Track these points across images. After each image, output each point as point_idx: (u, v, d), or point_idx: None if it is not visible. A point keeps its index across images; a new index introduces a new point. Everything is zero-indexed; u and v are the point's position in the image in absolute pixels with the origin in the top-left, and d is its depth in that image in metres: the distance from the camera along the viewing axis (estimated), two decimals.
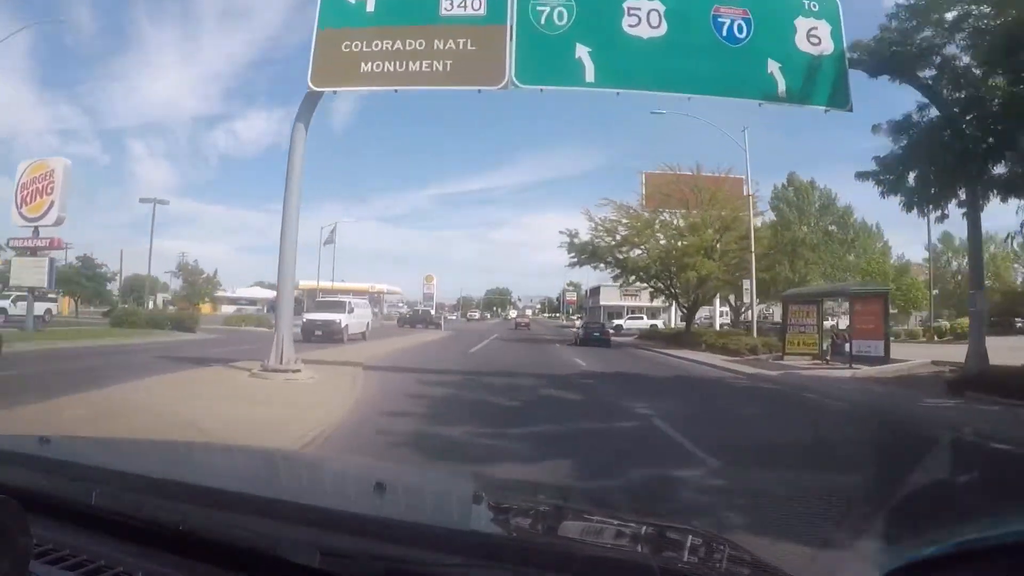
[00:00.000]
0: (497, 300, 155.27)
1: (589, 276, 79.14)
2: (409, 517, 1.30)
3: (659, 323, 55.39)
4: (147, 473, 1.50)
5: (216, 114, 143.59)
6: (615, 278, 32.03)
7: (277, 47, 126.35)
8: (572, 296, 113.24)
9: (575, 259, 31.10)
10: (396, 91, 11.28)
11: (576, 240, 30.65)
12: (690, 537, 1.32)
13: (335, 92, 11.66)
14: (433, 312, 70.57)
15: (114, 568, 1.11)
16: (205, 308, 74.73)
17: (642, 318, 56.57)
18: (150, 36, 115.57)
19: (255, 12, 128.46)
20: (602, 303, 72.51)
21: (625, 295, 73.19)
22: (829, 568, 1.35)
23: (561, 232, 30.91)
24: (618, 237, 29.46)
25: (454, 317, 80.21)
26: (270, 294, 76.15)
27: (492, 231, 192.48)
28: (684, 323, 31.52)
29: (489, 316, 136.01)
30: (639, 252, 29.64)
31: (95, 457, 1.77)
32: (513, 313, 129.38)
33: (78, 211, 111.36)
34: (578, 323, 44.24)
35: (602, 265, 31.05)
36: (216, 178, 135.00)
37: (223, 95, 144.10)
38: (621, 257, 30.08)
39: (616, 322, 54.78)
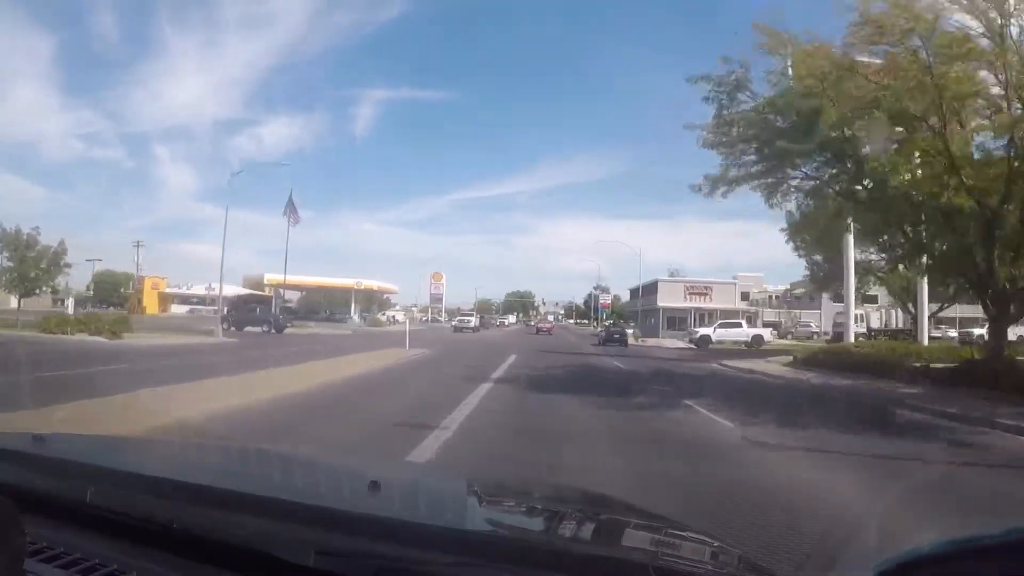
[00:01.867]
0: (518, 303, 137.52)
1: (630, 275, 60.37)
2: (404, 516, 1.28)
3: (764, 333, 36.21)
4: (141, 471, 1.49)
5: (238, 119, 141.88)
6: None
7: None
8: (607, 299, 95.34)
9: (728, 161, 11.35)
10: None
11: (741, 101, 10.80)
12: (686, 538, 1.31)
13: None
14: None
15: (108, 566, 1.09)
16: (150, 307, 59.22)
17: (740, 324, 37.35)
18: (172, 42, 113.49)
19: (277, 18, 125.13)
20: (660, 304, 53.35)
21: (691, 293, 53.93)
22: (821, 568, 1.37)
23: (692, 80, 11.44)
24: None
25: (457, 322, 60.83)
26: (233, 291, 59.75)
27: (513, 236, 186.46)
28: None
29: (509, 322, 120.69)
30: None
31: (89, 455, 1.72)
32: (511, 319, 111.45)
33: (102, 214, 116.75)
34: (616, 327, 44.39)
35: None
36: (238, 182, 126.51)
37: (245, 100, 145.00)
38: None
39: (700, 331, 36.01)
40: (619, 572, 1.04)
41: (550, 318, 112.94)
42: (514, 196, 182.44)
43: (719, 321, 38.64)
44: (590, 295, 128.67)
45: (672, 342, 40.85)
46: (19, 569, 0.91)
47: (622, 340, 36.06)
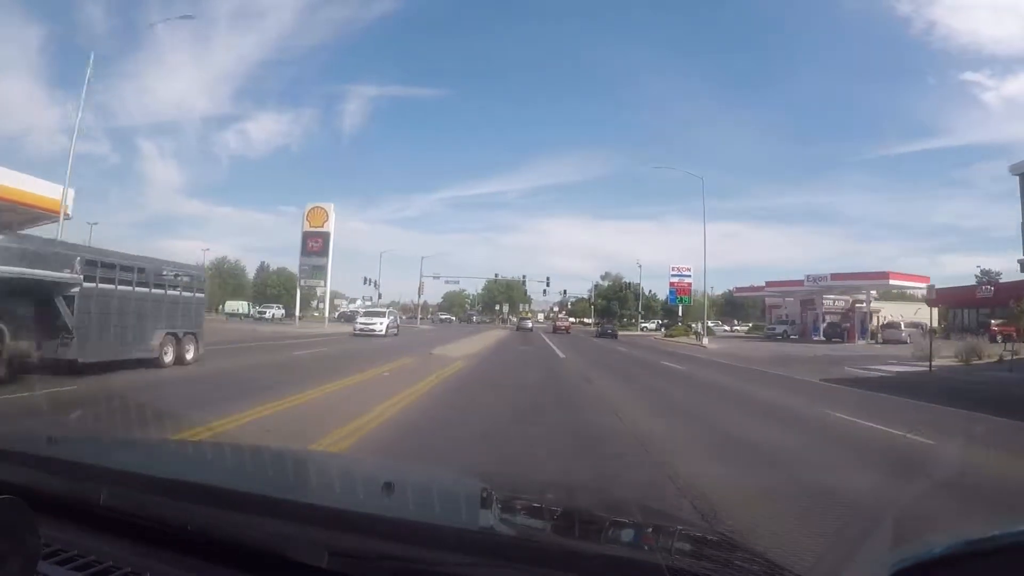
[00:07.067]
0: (503, 295, 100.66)
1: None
2: (417, 516, 1.25)
3: None
4: (155, 473, 1.45)
5: (226, 115, 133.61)
6: None
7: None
8: (685, 277, 63.53)
9: None
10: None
11: None
12: (699, 537, 1.31)
13: None
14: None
15: (122, 568, 1.07)
16: None
17: None
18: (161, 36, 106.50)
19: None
20: None
21: None
22: (836, 566, 1.28)
23: None
24: None
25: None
26: None
27: (503, 235, 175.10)
28: None
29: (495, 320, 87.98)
30: None
31: (103, 457, 1.70)
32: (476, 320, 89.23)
33: (88, 210, 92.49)
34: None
35: None
36: (225, 179, 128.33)
37: (233, 96, 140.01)
38: None
39: None
40: (634, 572, 1.02)
41: (541, 317, 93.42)
42: (503, 195, 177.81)
43: None
44: (595, 286, 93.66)
45: None
46: (33, 571, 0.90)
47: (612, 335, 45.28)
